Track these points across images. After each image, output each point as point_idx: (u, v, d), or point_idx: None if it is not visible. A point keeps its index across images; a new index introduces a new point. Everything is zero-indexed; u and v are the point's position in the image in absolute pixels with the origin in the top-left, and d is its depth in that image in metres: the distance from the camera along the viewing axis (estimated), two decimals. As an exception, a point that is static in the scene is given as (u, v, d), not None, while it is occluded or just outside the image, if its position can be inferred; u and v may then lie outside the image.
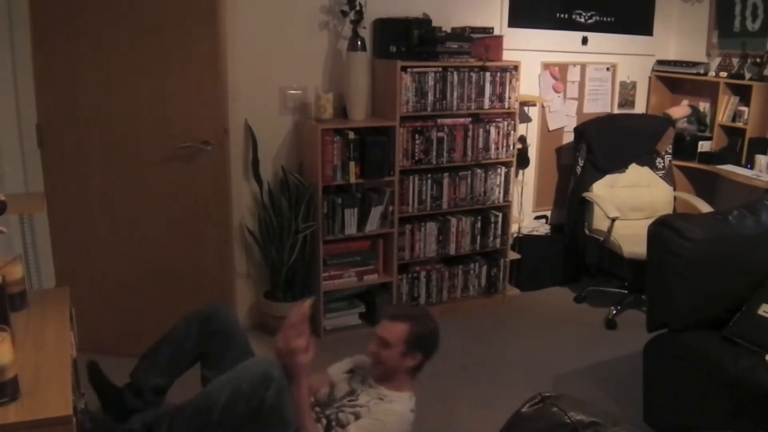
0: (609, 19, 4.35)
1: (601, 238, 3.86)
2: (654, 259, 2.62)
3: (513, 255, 4.07)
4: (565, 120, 4.35)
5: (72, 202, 3.01)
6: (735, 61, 4.18)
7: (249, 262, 3.59)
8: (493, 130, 3.72)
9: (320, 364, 2.31)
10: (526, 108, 4.17)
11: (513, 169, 3.86)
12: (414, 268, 3.72)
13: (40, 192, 2.91)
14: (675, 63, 4.44)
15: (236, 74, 3.29)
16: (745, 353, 2.35)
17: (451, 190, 3.69)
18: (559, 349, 3.48)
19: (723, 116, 4.16)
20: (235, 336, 2.34)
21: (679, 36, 4.60)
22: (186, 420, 1.95)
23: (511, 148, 3.80)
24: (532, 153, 4.25)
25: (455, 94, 3.55)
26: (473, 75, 3.58)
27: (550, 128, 4.32)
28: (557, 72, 4.25)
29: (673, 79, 4.52)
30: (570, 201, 4.20)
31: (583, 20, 4.27)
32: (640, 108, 4.61)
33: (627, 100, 4.57)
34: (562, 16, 4.20)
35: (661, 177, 4.20)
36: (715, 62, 4.32)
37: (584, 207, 4.04)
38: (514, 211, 4.02)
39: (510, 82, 3.68)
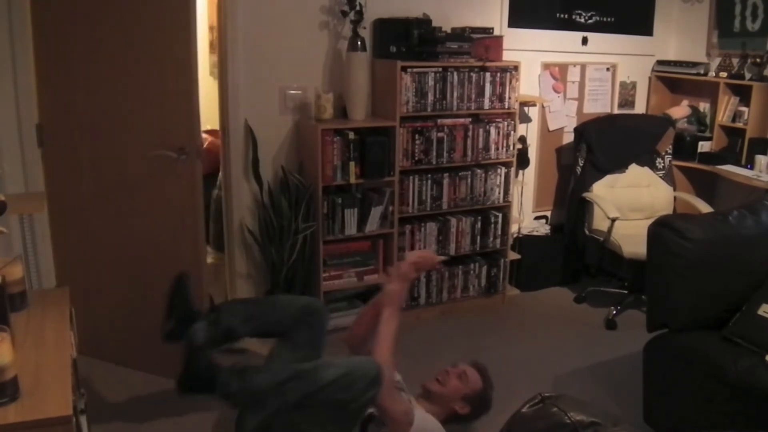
0: (609, 19, 4.35)
1: (601, 239, 3.86)
2: (654, 259, 2.62)
3: (513, 255, 4.07)
4: (565, 120, 4.35)
5: (72, 202, 3.01)
6: (735, 61, 4.18)
7: (249, 262, 3.58)
8: (493, 131, 3.72)
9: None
10: (526, 108, 4.17)
11: (513, 170, 3.86)
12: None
13: (40, 192, 2.91)
14: (675, 63, 4.44)
15: (236, 74, 3.29)
16: (745, 353, 2.35)
17: (451, 190, 3.69)
18: (559, 349, 3.48)
19: (723, 116, 4.16)
20: (320, 339, 2.41)
21: (679, 36, 4.60)
22: (285, 379, 2.00)
23: (511, 148, 3.80)
24: (532, 153, 4.25)
25: (455, 94, 3.55)
26: (473, 75, 3.58)
27: (550, 128, 4.32)
28: (557, 72, 4.25)
29: (673, 79, 4.52)
30: (570, 201, 4.20)
31: (583, 20, 4.27)
32: (640, 108, 4.61)
33: (627, 101, 4.57)
34: (562, 16, 4.20)
35: (661, 177, 4.20)
36: (715, 62, 4.32)
37: (584, 207, 4.04)
38: (514, 212, 4.02)
39: (510, 82, 3.68)
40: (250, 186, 3.47)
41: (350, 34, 3.41)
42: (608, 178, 4.10)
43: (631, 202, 4.08)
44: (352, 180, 3.41)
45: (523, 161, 4.07)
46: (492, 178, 3.79)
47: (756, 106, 3.96)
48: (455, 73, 3.52)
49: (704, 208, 3.91)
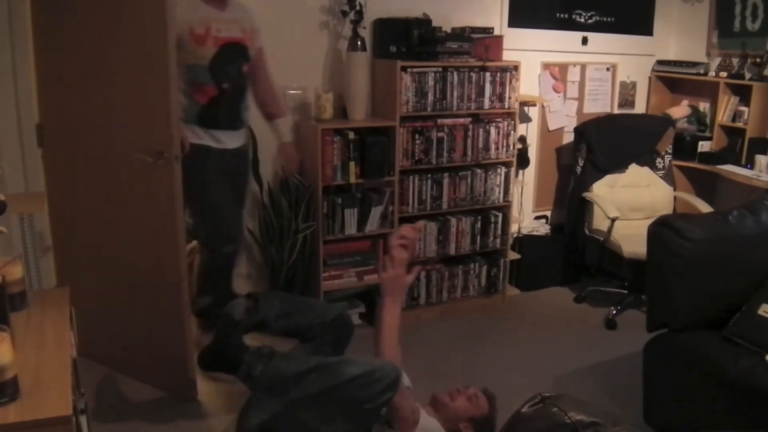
0: (609, 19, 4.35)
1: (601, 238, 3.86)
2: (654, 259, 2.62)
3: (513, 255, 4.07)
4: (565, 120, 4.35)
5: (72, 202, 3.00)
6: (735, 61, 4.18)
7: (249, 262, 3.58)
8: (493, 130, 3.72)
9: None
10: (526, 108, 4.17)
11: (513, 169, 3.86)
12: (414, 268, 3.71)
13: (40, 192, 2.91)
14: (675, 63, 4.44)
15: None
16: (745, 353, 2.35)
17: (451, 190, 3.69)
18: (559, 349, 3.48)
19: (723, 116, 4.16)
20: (342, 348, 2.40)
21: (679, 36, 4.60)
22: (309, 369, 2.00)
23: (511, 148, 3.80)
24: (532, 153, 4.25)
25: (455, 94, 3.55)
26: (473, 75, 3.58)
27: (550, 128, 4.32)
28: (557, 72, 4.25)
29: (673, 79, 4.52)
30: (570, 201, 4.20)
31: (583, 20, 4.27)
32: (640, 108, 4.61)
33: (627, 100, 4.57)
34: (562, 16, 4.20)
35: (661, 177, 4.20)
36: (715, 62, 4.32)
37: (584, 207, 4.04)
38: (514, 211, 4.02)
39: (510, 82, 3.68)
40: (251, 186, 3.47)
41: (350, 34, 3.41)
42: (608, 178, 4.10)
43: (631, 202, 4.08)
44: (352, 180, 3.41)
45: (523, 161, 4.07)
46: (492, 178, 3.79)
47: (756, 105, 3.96)
48: (455, 73, 3.52)
49: (704, 208, 3.91)
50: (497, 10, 3.95)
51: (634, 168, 4.16)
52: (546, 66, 4.20)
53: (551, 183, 4.43)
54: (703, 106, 4.44)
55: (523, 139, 4.10)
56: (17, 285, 1.94)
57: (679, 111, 4.42)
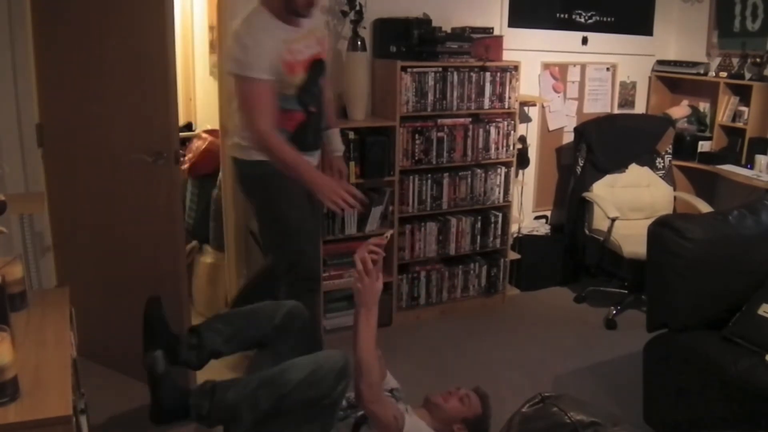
0: (609, 19, 4.35)
1: (601, 238, 3.86)
2: (654, 259, 2.62)
3: (513, 255, 4.07)
4: (565, 120, 4.35)
5: (72, 202, 3.00)
6: (735, 61, 4.18)
7: (249, 262, 3.58)
8: (493, 130, 3.72)
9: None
10: (526, 108, 4.17)
11: (513, 169, 3.86)
12: (414, 268, 3.72)
13: (40, 192, 2.91)
14: (675, 63, 4.44)
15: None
16: (745, 353, 2.35)
17: (451, 190, 3.69)
18: (559, 349, 3.48)
19: (723, 116, 4.16)
20: (307, 343, 2.33)
21: (679, 36, 4.60)
22: (254, 388, 1.98)
23: (511, 148, 3.80)
24: (532, 153, 4.25)
25: (455, 94, 3.55)
26: (473, 75, 3.58)
27: (550, 128, 4.32)
28: (557, 72, 4.25)
29: (673, 79, 4.52)
30: (570, 201, 4.20)
31: (583, 20, 4.27)
32: (640, 108, 4.61)
33: (627, 100, 4.57)
34: (562, 16, 4.20)
35: (661, 177, 4.20)
36: (715, 62, 4.32)
37: (584, 207, 4.04)
38: (514, 211, 4.02)
39: (510, 82, 3.68)
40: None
41: (350, 34, 3.41)
42: (608, 178, 4.10)
43: (631, 202, 4.08)
44: (352, 180, 3.40)
45: (523, 161, 4.07)
46: (492, 178, 3.79)
47: (756, 105, 3.96)
48: (455, 73, 3.52)
49: (704, 208, 3.91)
50: (497, 10, 3.95)
51: (634, 168, 4.16)
52: (546, 66, 4.20)
53: (551, 183, 4.43)
54: (703, 106, 4.44)
55: (523, 139, 4.10)
56: (17, 285, 1.94)
57: (679, 111, 4.43)
